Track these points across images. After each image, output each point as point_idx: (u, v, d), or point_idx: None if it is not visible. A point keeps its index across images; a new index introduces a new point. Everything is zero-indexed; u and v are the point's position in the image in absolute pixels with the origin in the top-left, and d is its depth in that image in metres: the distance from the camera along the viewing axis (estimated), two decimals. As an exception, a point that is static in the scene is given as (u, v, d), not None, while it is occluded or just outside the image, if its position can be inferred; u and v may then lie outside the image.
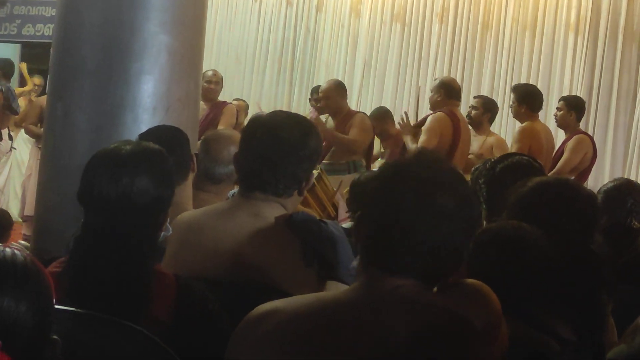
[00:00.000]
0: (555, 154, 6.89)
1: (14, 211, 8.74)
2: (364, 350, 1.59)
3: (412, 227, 1.62)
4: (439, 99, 6.66)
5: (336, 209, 4.55)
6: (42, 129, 7.93)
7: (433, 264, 1.65)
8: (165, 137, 3.09)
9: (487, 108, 7.37)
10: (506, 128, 9.22)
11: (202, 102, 7.24)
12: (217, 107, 7.53)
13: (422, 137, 6.55)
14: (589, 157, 6.83)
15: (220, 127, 7.05)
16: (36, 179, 6.34)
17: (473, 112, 7.17)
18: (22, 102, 9.31)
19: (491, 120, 7.49)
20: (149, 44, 3.65)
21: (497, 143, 7.34)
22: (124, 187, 2.06)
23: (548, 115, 8.13)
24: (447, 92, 6.64)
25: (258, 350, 1.66)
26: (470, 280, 1.79)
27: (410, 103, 9.76)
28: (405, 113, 6.93)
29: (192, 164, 3.24)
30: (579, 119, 7.00)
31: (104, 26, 3.67)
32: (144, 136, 3.12)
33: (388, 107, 8.68)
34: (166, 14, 3.68)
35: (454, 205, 1.64)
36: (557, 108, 7.04)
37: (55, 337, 1.39)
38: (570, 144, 6.77)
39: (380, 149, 7.79)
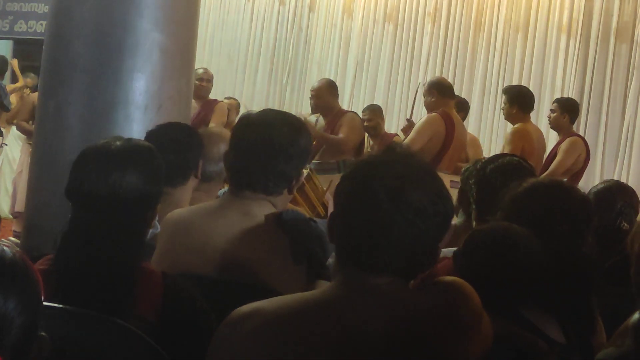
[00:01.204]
0: (548, 155, 6.90)
1: (5, 207, 8.73)
2: (346, 349, 1.59)
3: (387, 224, 1.63)
4: (433, 100, 6.62)
5: (326, 208, 4.56)
6: (33, 126, 7.94)
7: (409, 261, 1.66)
8: (169, 136, 3.12)
9: (460, 107, 7.50)
10: (497, 129, 9.24)
11: (193, 100, 7.24)
12: (209, 105, 7.54)
13: (410, 136, 6.55)
14: (582, 159, 6.83)
15: (211, 125, 7.05)
16: (27, 175, 6.34)
17: None
18: (13, 99, 9.28)
19: (463, 118, 7.61)
20: (142, 41, 3.64)
21: (471, 142, 7.42)
22: (113, 183, 2.06)
23: (539, 116, 8.15)
24: (440, 91, 6.62)
25: (239, 352, 1.65)
26: (450, 278, 1.79)
27: (402, 103, 9.78)
28: (408, 119, 7.02)
29: (197, 167, 3.21)
30: (572, 121, 7.01)
31: (97, 23, 3.66)
32: (151, 132, 3.15)
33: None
34: (159, 11, 3.67)
35: (427, 200, 1.65)
36: (551, 110, 7.03)
37: (43, 333, 1.38)
38: (563, 146, 6.77)
39: (368, 148, 7.80)
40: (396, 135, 8.31)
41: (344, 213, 1.70)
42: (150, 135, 3.14)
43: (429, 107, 6.71)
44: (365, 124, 7.94)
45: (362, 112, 8.22)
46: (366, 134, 8.01)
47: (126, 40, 3.65)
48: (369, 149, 7.79)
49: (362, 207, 1.66)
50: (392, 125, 9.44)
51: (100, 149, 2.13)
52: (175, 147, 3.09)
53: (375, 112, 8.01)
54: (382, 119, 8.16)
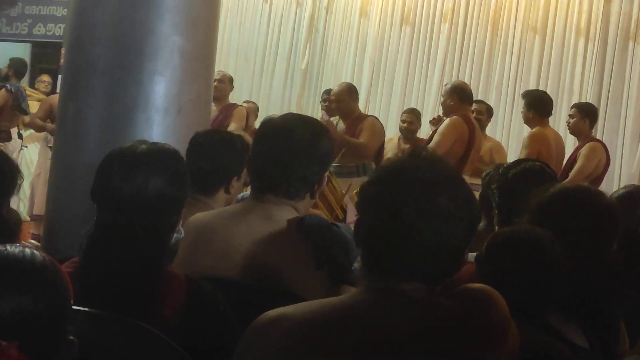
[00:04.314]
0: (567, 160, 6.87)
1: (23, 210, 8.75)
2: (373, 355, 1.58)
3: (414, 230, 1.62)
4: (452, 104, 6.61)
5: (344, 211, 4.55)
6: (46, 124, 7.98)
7: (436, 267, 1.66)
8: (209, 144, 3.19)
9: (488, 114, 7.58)
10: (513, 131, 9.21)
11: (212, 103, 7.26)
12: (227, 109, 7.53)
13: (435, 139, 6.54)
14: (603, 165, 6.80)
15: (230, 128, 7.05)
16: (45, 178, 6.35)
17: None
18: (36, 105, 9.31)
19: (486, 124, 7.68)
20: (162, 44, 3.65)
21: (496, 148, 7.47)
22: (138, 186, 2.07)
23: (557, 120, 8.11)
24: (461, 96, 6.62)
25: (266, 357, 1.65)
26: (477, 285, 1.78)
27: (418, 105, 9.76)
28: (439, 116, 7.06)
29: (235, 180, 3.21)
30: (591, 126, 6.98)
31: (117, 26, 3.67)
32: (195, 137, 3.23)
33: (396, 109, 8.72)
34: (179, 15, 3.68)
35: (454, 205, 1.64)
36: (570, 115, 6.99)
37: (71, 337, 1.39)
38: (583, 151, 6.73)
39: (398, 152, 7.77)
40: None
41: (370, 219, 1.69)
42: (193, 140, 3.19)
43: (447, 110, 6.71)
44: (405, 125, 7.94)
45: (404, 113, 8.18)
46: (398, 137, 8.01)
47: (146, 43, 3.66)
48: (399, 153, 7.76)
49: (388, 213, 1.65)
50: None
51: (126, 152, 2.14)
52: (213, 155, 3.13)
53: (418, 117, 8.13)
54: (420, 125, 8.21)
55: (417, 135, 8.23)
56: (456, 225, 1.64)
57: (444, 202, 1.63)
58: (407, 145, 7.86)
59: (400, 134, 8.09)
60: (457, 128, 6.49)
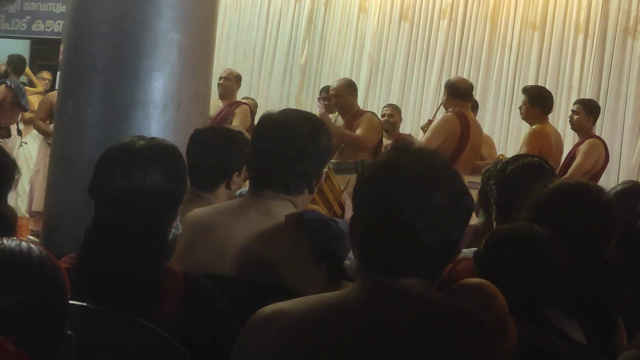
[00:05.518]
0: (566, 157, 6.86)
1: (22, 207, 8.74)
2: (372, 350, 1.58)
3: (411, 226, 1.62)
4: (444, 99, 6.75)
5: (342, 208, 4.55)
6: (50, 126, 7.98)
7: (433, 261, 1.66)
8: (210, 140, 3.18)
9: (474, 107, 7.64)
10: (512, 127, 9.20)
11: (218, 100, 7.37)
12: (231, 107, 7.60)
13: (426, 136, 6.59)
14: (602, 161, 6.79)
15: (234, 124, 7.11)
16: (44, 174, 6.34)
17: None
18: (35, 99, 9.29)
19: None
20: (160, 41, 3.65)
21: (484, 141, 7.49)
22: (136, 182, 2.06)
23: (555, 116, 8.11)
24: (451, 92, 6.68)
25: (264, 354, 1.65)
26: (475, 280, 1.78)
27: (417, 102, 9.78)
28: (429, 120, 7.11)
29: (236, 176, 3.21)
30: (594, 123, 7.00)
31: (115, 23, 3.67)
32: (195, 134, 3.22)
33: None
34: (177, 11, 3.68)
35: (450, 202, 1.64)
36: (573, 111, 6.97)
37: (69, 332, 1.38)
38: (583, 147, 6.72)
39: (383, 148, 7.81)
40: (410, 135, 8.34)
41: (365, 216, 1.69)
42: (193, 136, 3.19)
43: (444, 106, 6.81)
44: (385, 118, 7.99)
45: (384, 108, 8.32)
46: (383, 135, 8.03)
47: (145, 40, 3.66)
48: (383, 149, 7.78)
49: (383, 211, 1.65)
50: (407, 124, 9.42)
51: (124, 148, 2.14)
52: (213, 151, 3.13)
53: (397, 110, 8.28)
54: (401, 119, 8.31)
55: (400, 130, 8.32)
56: (452, 220, 1.65)
57: (439, 199, 1.63)
58: (390, 141, 7.89)
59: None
60: (448, 124, 6.53)
